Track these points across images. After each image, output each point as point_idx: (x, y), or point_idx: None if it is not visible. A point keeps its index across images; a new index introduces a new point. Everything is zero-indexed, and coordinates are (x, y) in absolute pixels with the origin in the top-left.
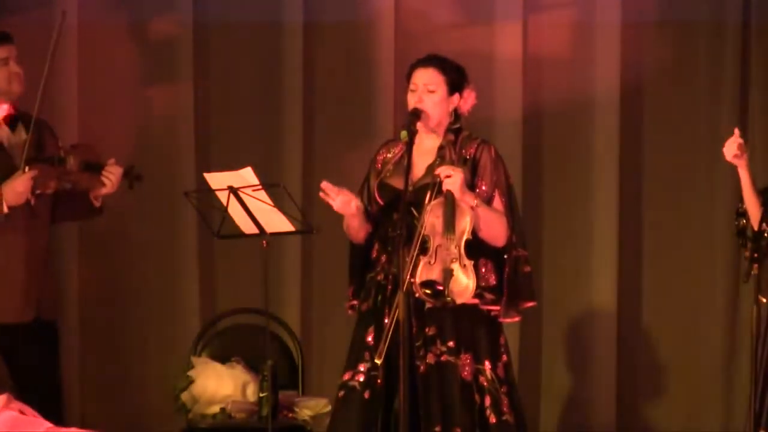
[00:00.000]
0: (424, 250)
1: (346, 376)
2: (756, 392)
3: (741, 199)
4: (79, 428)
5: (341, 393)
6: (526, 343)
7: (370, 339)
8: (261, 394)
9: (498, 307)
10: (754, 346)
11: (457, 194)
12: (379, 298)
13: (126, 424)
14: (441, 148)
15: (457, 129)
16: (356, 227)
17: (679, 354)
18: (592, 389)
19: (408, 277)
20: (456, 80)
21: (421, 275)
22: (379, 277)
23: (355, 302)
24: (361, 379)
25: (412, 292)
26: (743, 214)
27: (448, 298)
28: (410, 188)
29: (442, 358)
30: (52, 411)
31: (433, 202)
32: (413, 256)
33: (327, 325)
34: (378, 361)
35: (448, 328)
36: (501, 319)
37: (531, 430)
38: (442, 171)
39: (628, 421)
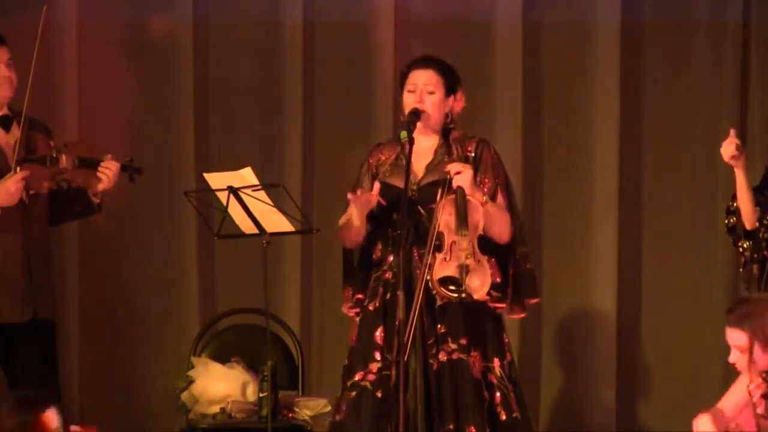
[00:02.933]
0: (438, 247)
1: (358, 377)
2: None
3: (732, 198)
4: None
5: (353, 393)
6: (526, 343)
7: (379, 338)
8: (261, 394)
9: (504, 305)
10: None
11: (467, 190)
12: (387, 296)
13: (126, 424)
14: (448, 145)
15: (452, 128)
16: (359, 227)
17: (679, 354)
18: (592, 389)
19: (425, 274)
20: (452, 82)
21: (437, 272)
22: (386, 276)
23: (360, 296)
24: (373, 378)
25: (428, 289)
26: (733, 212)
27: (464, 294)
28: (414, 187)
29: (454, 356)
30: None
31: (444, 199)
32: (429, 253)
33: (327, 325)
34: (404, 360)
35: (458, 325)
36: (507, 315)
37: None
38: (452, 167)
39: (628, 421)
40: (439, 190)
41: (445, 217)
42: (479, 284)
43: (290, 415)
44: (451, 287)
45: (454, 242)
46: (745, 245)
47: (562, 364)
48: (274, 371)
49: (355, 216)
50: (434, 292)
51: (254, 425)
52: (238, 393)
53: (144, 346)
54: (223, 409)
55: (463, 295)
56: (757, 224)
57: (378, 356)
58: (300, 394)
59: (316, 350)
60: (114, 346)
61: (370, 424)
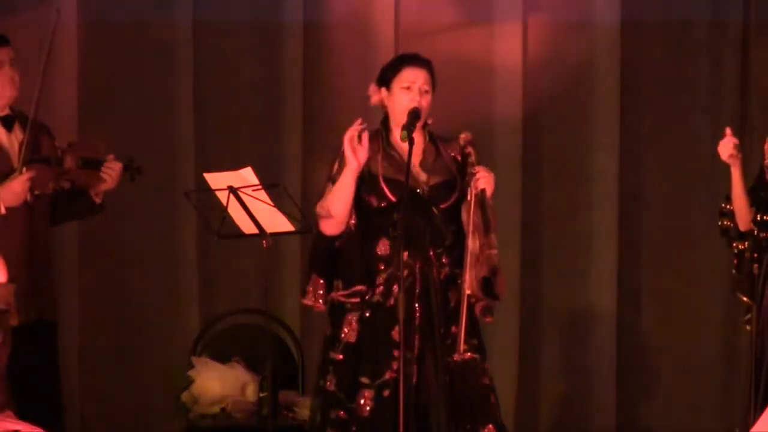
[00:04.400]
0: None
1: (388, 375)
2: (754, 393)
3: (726, 199)
4: None
5: (386, 392)
6: (526, 343)
7: (395, 336)
8: (261, 394)
9: (482, 306)
10: (754, 347)
11: (489, 193)
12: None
13: (126, 424)
14: (434, 143)
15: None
16: (348, 202)
17: (679, 354)
18: (592, 389)
19: (466, 274)
20: (435, 81)
21: (478, 272)
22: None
23: (361, 288)
24: (394, 376)
25: (444, 289)
26: (727, 214)
27: (497, 299)
28: (425, 186)
29: (466, 356)
30: (51, 412)
31: (473, 201)
32: (467, 253)
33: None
34: (458, 355)
35: (470, 326)
36: (487, 319)
37: (531, 430)
38: (481, 170)
39: (628, 421)
40: (469, 192)
41: (474, 219)
42: (504, 286)
43: (290, 415)
44: (486, 288)
45: (483, 244)
46: (741, 246)
47: (562, 364)
48: (274, 371)
49: (346, 177)
50: (468, 291)
51: (254, 425)
52: (238, 393)
53: (144, 345)
54: (223, 409)
55: (497, 296)
56: (752, 225)
57: (397, 354)
58: (300, 394)
59: (317, 350)
60: (114, 346)
61: (394, 423)
